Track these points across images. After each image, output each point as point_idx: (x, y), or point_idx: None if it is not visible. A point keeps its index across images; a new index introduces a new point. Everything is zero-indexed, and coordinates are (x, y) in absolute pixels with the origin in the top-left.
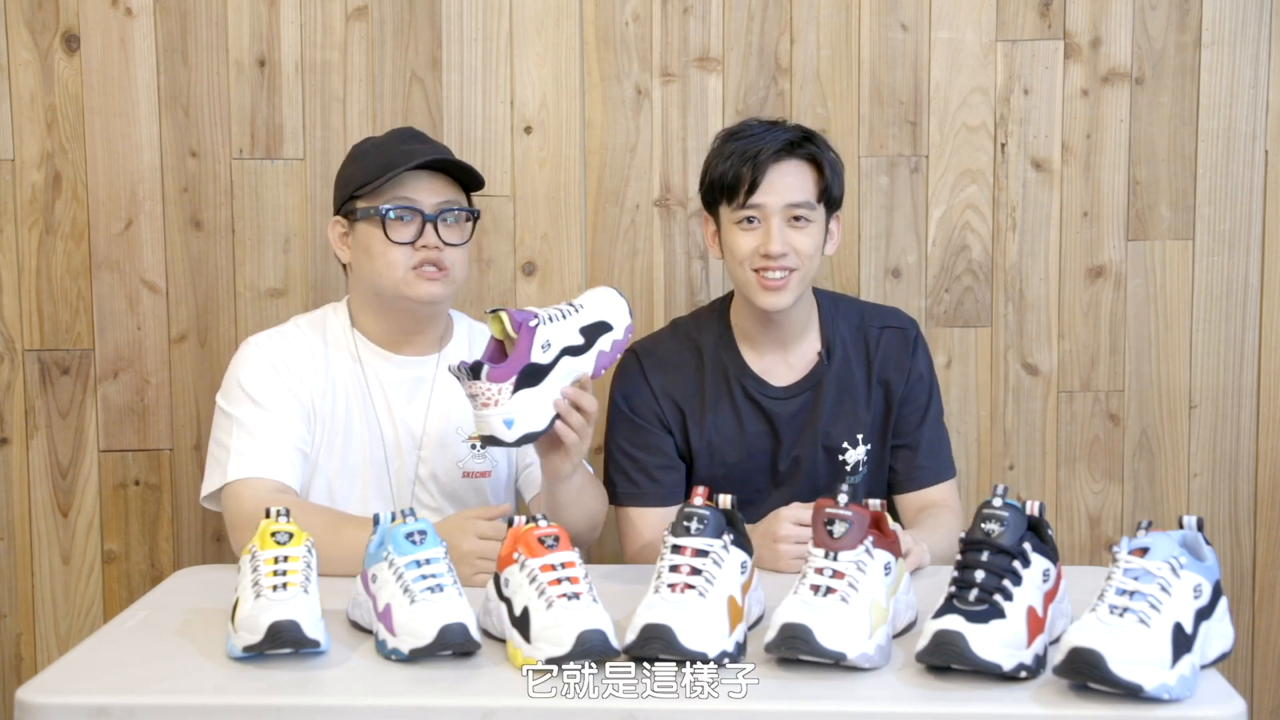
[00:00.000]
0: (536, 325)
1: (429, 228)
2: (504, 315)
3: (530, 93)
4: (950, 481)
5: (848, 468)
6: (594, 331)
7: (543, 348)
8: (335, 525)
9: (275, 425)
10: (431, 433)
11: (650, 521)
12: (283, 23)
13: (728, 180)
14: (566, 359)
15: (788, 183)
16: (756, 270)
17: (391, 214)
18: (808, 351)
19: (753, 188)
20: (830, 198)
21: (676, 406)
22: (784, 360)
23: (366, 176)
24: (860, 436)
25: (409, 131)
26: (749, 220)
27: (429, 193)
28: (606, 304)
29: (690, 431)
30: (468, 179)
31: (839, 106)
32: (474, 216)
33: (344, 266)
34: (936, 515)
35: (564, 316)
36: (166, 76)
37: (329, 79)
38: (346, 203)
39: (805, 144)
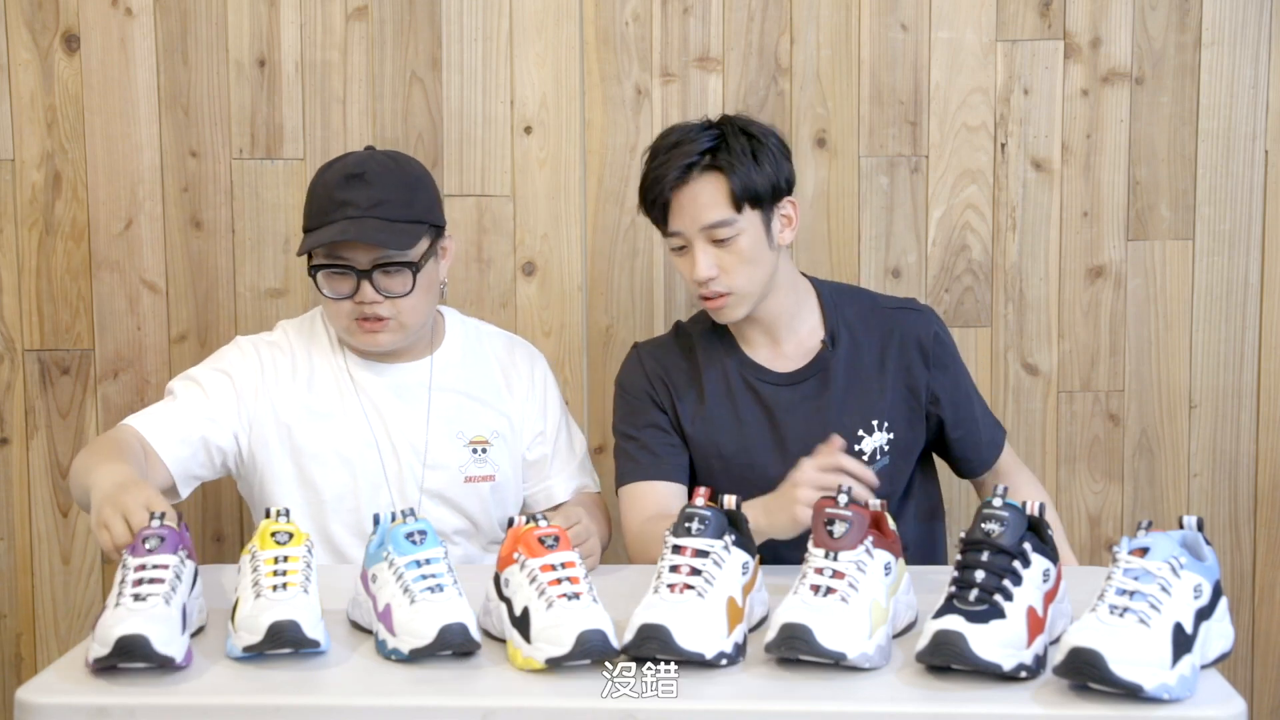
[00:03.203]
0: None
1: (364, 284)
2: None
3: (530, 93)
4: (1005, 445)
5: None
6: None
7: None
8: (99, 463)
9: (199, 409)
10: (434, 441)
11: (650, 496)
12: (283, 23)
13: (646, 208)
14: None
15: (699, 204)
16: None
17: (322, 272)
18: (806, 341)
19: (666, 216)
20: (755, 196)
21: (666, 386)
22: (779, 353)
23: (305, 221)
24: (875, 422)
25: (352, 170)
26: (679, 247)
27: (363, 247)
28: None
29: (681, 413)
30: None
31: (839, 106)
32: (414, 269)
33: None
34: (1016, 489)
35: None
36: (166, 76)
37: (329, 79)
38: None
39: (709, 155)
